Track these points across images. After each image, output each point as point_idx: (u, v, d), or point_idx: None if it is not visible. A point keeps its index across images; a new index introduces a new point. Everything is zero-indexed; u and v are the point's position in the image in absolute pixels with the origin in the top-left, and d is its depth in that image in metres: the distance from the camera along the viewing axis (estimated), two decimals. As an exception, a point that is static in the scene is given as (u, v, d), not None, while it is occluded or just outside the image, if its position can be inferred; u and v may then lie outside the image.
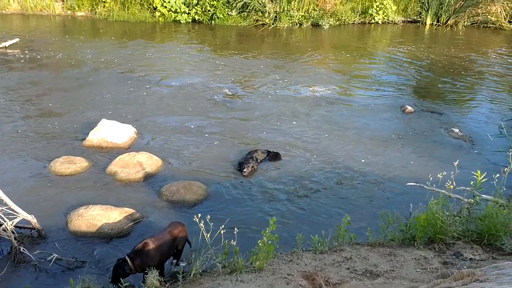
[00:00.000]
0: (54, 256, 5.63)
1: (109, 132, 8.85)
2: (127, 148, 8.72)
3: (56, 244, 6.02)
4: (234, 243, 4.89)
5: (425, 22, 20.97)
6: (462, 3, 20.55)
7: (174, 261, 5.60)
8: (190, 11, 19.61)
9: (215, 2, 19.47)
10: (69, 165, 7.83)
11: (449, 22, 20.74)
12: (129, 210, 6.55)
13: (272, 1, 19.43)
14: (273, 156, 8.50)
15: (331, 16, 20.12)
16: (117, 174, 7.69)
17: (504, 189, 6.01)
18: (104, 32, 18.19)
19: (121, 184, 7.54)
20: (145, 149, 8.52)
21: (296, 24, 19.76)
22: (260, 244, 4.85)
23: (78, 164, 7.90)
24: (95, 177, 7.70)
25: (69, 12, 20.40)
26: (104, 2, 19.90)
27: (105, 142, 8.74)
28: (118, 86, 11.94)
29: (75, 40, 16.49)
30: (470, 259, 5.16)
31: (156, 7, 19.66)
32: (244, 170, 7.83)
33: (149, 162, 7.95)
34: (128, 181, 7.60)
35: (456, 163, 5.83)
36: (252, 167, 7.91)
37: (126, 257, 4.96)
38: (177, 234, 5.40)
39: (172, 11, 19.61)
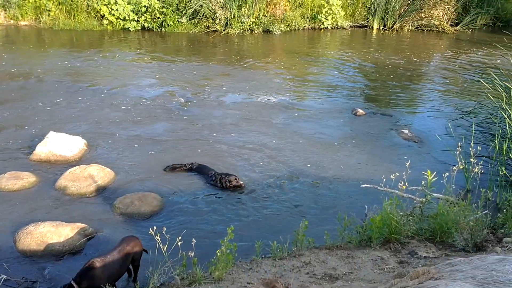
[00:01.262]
0: (2, 277, 5.34)
1: (58, 144, 8.54)
2: (77, 160, 8.43)
3: (4, 264, 5.71)
4: (192, 254, 4.81)
5: (372, 27, 21.59)
6: (407, 8, 21.29)
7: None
8: (139, 19, 19.31)
9: (164, 9, 19.27)
10: (15, 180, 7.47)
11: (395, 26, 21.43)
12: (82, 226, 6.31)
13: (222, 8, 19.43)
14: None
15: (281, 22, 20.35)
16: (67, 188, 7.42)
17: (454, 187, 6.22)
18: (49, 41, 17.63)
19: (72, 198, 7.27)
20: (96, 161, 8.27)
21: (247, 30, 19.84)
22: (218, 253, 4.79)
23: (26, 179, 7.56)
24: (44, 193, 7.38)
25: (12, 21, 19.65)
26: (49, 10, 19.28)
27: (53, 155, 8.41)
28: (66, 97, 11.56)
29: (18, 50, 15.88)
30: (425, 257, 5.29)
31: (104, 15, 19.23)
32: (241, 182, 7.63)
33: (100, 174, 7.71)
34: (80, 195, 7.34)
35: (407, 164, 5.99)
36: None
37: (72, 282, 4.71)
38: (130, 250, 5.18)
39: (121, 19, 19.25)
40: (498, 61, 15.64)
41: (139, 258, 5.34)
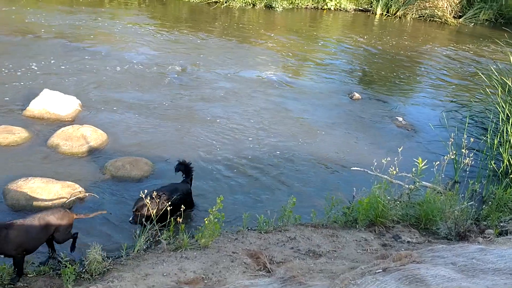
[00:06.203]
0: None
1: (52, 102, 8.48)
2: (71, 120, 8.40)
3: (-9, 217, 5.74)
4: (180, 220, 4.87)
5: (376, 12, 21.42)
6: (412, -5, 21.14)
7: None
8: (142, -17, 19.00)
9: (168, -25, 18.97)
10: (7, 134, 7.42)
11: (398, 13, 21.27)
12: (72, 184, 6.32)
13: (226, -21, 19.17)
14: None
15: (284, -2, 20.14)
16: (59, 146, 7.40)
17: (443, 176, 6.30)
18: (49, -2, 17.32)
19: (63, 157, 7.26)
20: (90, 123, 8.22)
21: (250, 4, 19.62)
22: (206, 222, 4.85)
23: (18, 134, 7.52)
24: (36, 149, 7.35)
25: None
26: (50, -34, 18.85)
27: (47, 113, 8.36)
28: (63, 56, 11.43)
29: (18, 6, 15.59)
30: (408, 241, 5.39)
31: (106, -25, 18.87)
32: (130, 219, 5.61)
33: (93, 135, 7.69)
34: (71, 155, 7.33)
35: (399, 150, 6.05)
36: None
37: None
38: (53, 221, 4.63)
39: (123, -19, 18.91)
40: (497, 56, 15.66)
41: (64, 232, 4.78)
